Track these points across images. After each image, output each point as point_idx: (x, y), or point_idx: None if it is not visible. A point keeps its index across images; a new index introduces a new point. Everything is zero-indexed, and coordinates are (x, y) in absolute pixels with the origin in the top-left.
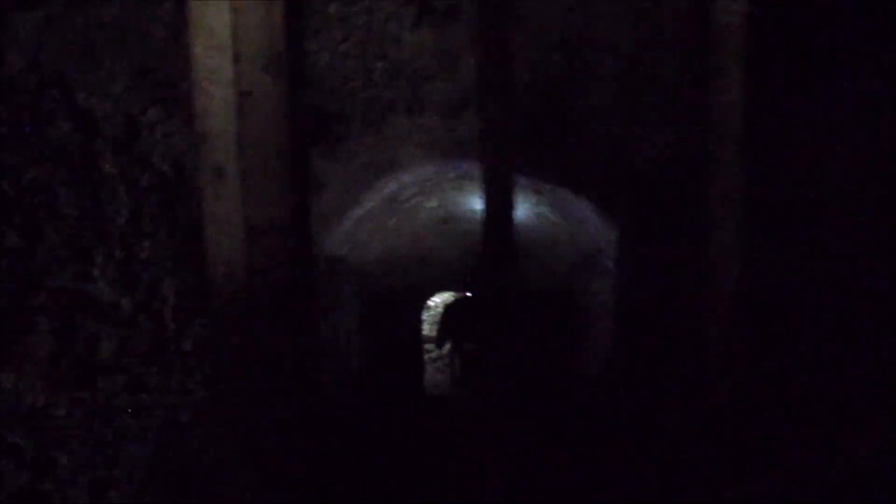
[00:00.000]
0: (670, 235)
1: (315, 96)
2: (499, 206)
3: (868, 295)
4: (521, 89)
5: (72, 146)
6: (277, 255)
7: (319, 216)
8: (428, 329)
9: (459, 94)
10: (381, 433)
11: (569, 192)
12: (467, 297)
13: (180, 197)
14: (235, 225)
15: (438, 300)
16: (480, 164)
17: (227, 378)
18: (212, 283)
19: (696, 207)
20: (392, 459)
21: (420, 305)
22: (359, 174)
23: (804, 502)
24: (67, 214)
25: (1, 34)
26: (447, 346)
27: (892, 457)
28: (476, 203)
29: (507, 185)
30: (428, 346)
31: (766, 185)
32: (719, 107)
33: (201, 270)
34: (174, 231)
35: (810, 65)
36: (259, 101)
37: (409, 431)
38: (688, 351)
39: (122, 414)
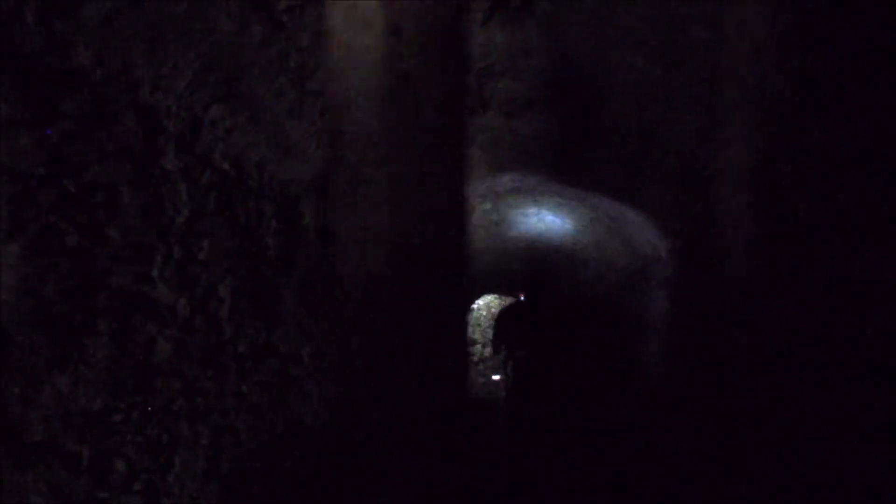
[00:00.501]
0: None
1: None
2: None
3: None
4: (592, 90)
5: (135, 143)
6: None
7: None
8: (472, 331)
9: (526, 91)
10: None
11: (626, 207)
12: (521, 302)
13: (239, 196)
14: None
15: (482, 303)
16: (539, 168)
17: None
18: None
19: None
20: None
21: (467, 307)
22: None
23: None
24: (129, 213)
25: (68, 26)
26: (503, 352)
27: None
28: (530, 208)
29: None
30: (472, 350)
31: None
32: None
33: (257, 270)
34: (233, 231)
35: None
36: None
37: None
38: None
39: (178, 419)
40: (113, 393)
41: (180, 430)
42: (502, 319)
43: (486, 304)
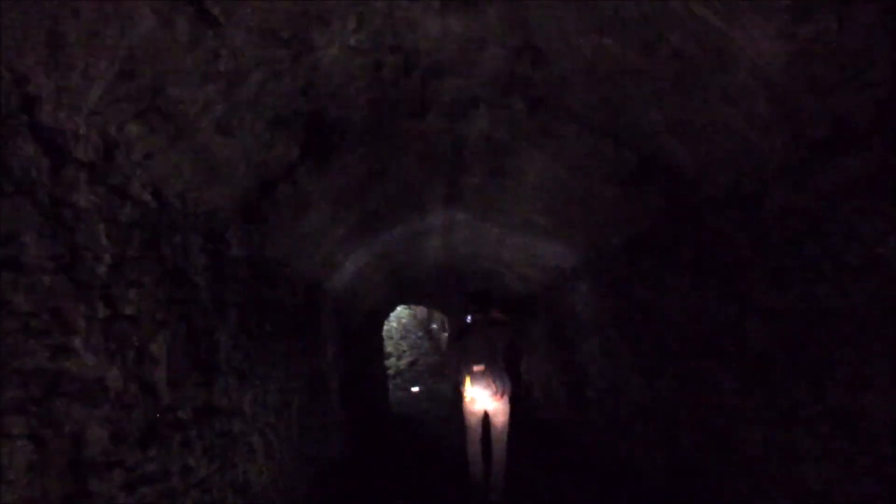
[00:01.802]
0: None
1: (314, 101)
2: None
3: None
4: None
5: (37, 177)
6: None
7: (302, 237)
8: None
9: (474, 90)
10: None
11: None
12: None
13: (164, 231)
14: None
15: (392, 315)
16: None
17: None
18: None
19: None
20: None
21: (382, 320)
22: (345, 190)
23: None
24: (37, 270)
25: None
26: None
27: None
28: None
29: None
30: (387, 363)
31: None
32: None
33: (190, 318)
34: (162, 275)
35: None
36: None
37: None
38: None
39: None
40: None
41: None
42: (454, 338)
43: (395, 316)
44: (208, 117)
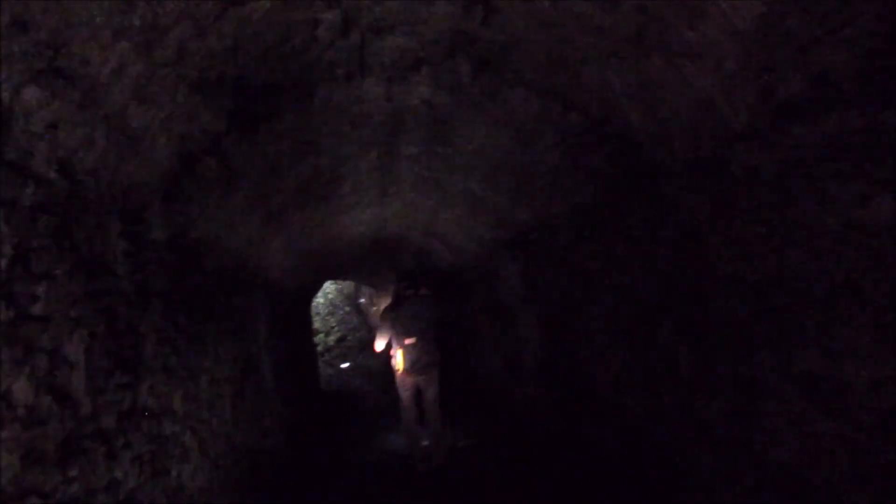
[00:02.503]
0: None
1: (243, 63)
2: None
3: None
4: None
5: None
6: None
7: (229, 215)
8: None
9: (417, 51)
10: None
11: None
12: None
13: (76, 214)
14: None
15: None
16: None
17: None
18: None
19: None
20: None
21: (311, 298)
22: (276, 162)
23: None
24: None
25: None
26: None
27: None
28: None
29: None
30: (315, 340)
31: None
32: None
33: (111, 312)
34: (75, 265)
35: None
36: None
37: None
38: None
39: None
40: None
41: None
42: (388, 313)
43: (322, 292)
44: (122, 81)
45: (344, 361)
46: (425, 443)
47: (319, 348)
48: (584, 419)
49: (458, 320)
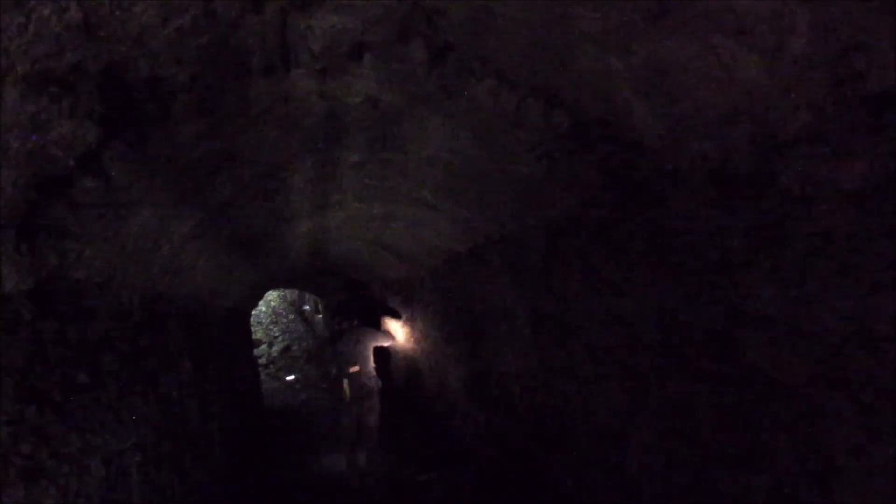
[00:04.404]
0: None
1: (112, 50)
2: None
3: None
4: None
5: None
6: None
7: (129, 244)
8: (254, 332)
9: (360, 31)
10: None
11: None
12: (337, 334)
13: None
14: None
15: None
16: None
17: None
18: None
19: None
20: None
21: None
22: (183, 178)
23: None
24: None
25: None
26: (334, 372)
27: None
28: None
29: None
30: (258, 351)
31: None
32: None
33: None
34: None
35: None
36: None
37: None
38: None
39: None
40: None
41: None
42: (328, 347)
43: (264, 300)
44: None
45: (289, 373)
46: (362, 463)
47: (262, 360)
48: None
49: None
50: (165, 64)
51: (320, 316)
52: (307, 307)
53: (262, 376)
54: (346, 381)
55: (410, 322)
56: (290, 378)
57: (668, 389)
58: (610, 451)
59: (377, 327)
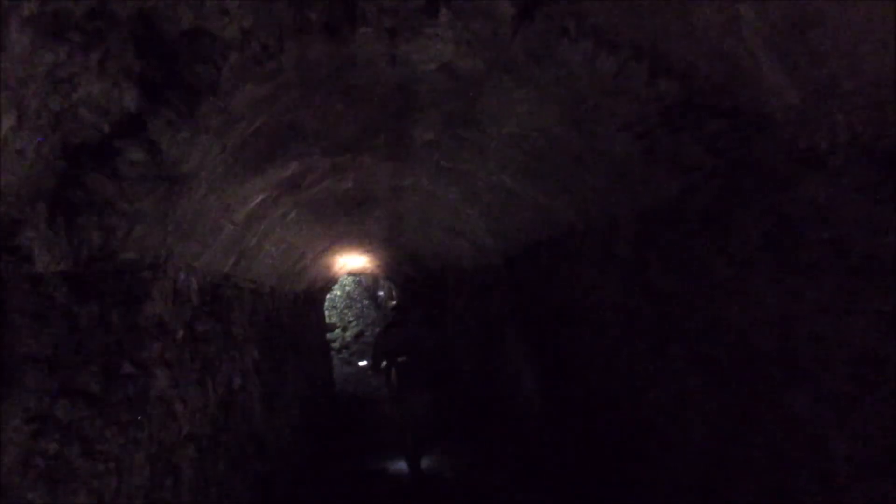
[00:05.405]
0: None
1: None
2: None
3: None
4: None
5: None
6: None
7: (186, 222)
8: (329, 316)
9: None
10: None
11: None
12: (390, 324)
13: None
14: None
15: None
16: None
17: None
18: None
19: None
20: None
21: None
22: (243, 150)
23: None
24: None
25: None
26: (383, 364)
27: None
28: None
29: None
30: (331, 335)
31: None
32: None
33: None
34: None
35: None
36: None
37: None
38: None
39: None
40: None
41: None
42: (380, 339)
43: (339, 284)
44: None
45: (362, 359)
46: (425, 466)
47: (336, 345)
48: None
49: (483, 327)
50: (211, 14)
51: (394, 302)
52: (381, 293)
53: (335, 360)
54: (393, 371)
55: (482, 311)
56: (363, 363)
57: (785, 409)
58: (708, 479)
59: (435, 321)
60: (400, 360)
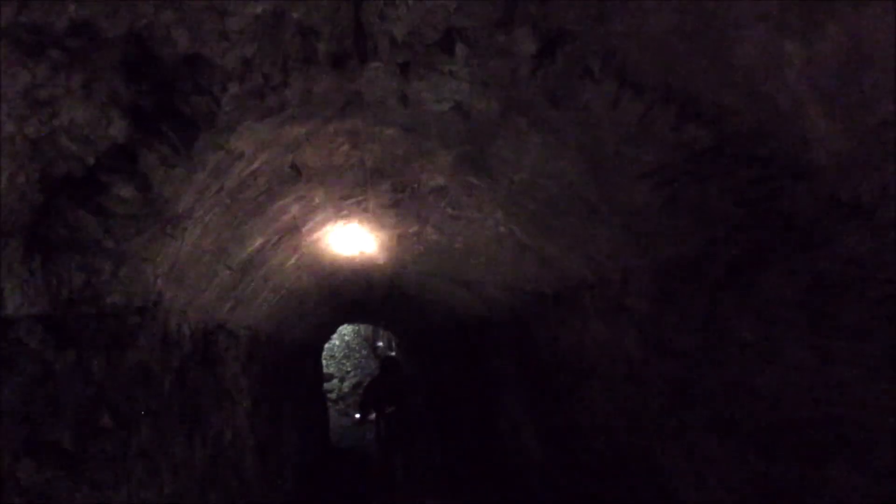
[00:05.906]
0: None
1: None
2: None
3: None
4: None
5: None
6: None
7: (180, 263)
8: (326, 366)
9: (452, 14)
10: None
11: None
12: (380, 375)
13: None
14: None
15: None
16: None
17: None
18: None
19: None
20: None
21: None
22: (241, 189)
23: None
24: None
25: None
26: (371, 414)
27: None
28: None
29: None
30: (328, 385)
31: None
32: None
33: None
34: None
35: None
36: None
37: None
38: None
39: None
40: None
41: None
42: (369, 390)
43: (338, 333)
44: None
45: (359, 411)
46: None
47: (333, 395)
48: None
49: (488, 376)
50: (209, 38)
51: (393, 353)
52: (380, 343)
53: (332, 412)
54: (382, 423)
55: (484, 363)
56: (359, 416)
57: (829, 481)
58: None
59: (432, 372)
60: (388, 410)
